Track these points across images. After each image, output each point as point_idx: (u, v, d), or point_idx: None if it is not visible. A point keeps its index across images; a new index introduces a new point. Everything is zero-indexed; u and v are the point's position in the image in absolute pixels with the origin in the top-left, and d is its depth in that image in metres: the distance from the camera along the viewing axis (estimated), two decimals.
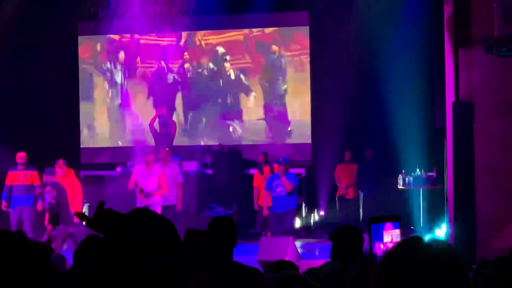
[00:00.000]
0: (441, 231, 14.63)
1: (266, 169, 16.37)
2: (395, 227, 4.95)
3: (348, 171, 17.26)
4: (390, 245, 4.80)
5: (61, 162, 15.11)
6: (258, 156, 17.46)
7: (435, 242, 2.42)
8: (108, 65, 20.58)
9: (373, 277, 2.34)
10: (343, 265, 5.53)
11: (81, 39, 20.54)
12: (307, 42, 19.54)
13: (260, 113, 19.84)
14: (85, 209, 16.07)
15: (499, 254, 6.92)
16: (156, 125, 18.26)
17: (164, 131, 17.98)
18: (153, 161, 15.05)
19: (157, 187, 14.73)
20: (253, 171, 17.77)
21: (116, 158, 18.57)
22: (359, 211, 17.18)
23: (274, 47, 19.84)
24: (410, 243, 2.39)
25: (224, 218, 6.59)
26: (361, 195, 17.34)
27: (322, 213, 18.06)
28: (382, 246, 4.84)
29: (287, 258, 12.02)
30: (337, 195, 17.49)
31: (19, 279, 2.65)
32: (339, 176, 17.39)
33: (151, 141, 18.49)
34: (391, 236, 4.90)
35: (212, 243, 5.74)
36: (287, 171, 14.78)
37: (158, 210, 14.16)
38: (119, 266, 2.67)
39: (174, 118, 19.46)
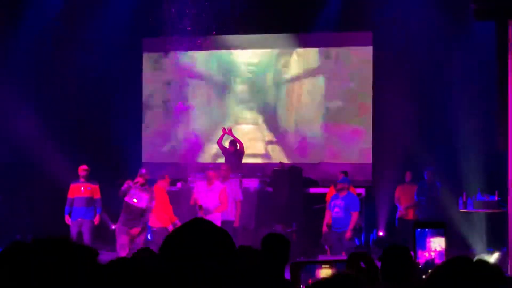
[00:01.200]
0: (501, 256, 14.45)
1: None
2: (440, 235, 4.90)
3: (408, 192, 17.13)
4: (433, 254, 4.78)
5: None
6: (318, 175, 17.49)
7: (483, 263, 2.48)
8: (174, 80, 20.76)
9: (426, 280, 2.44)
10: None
11: (146, 55, 20.81)
12: (370, 63, 19.50)
13: (322, 132, 19.84)
14: None
15: None
16: (225, 143, 18.30)
17: (233, 149, 18.00)
18: (214, 178, 15.14)
19: (217, 204, 14.85)
20: (313, 190, 17.76)
21: (178, 173, 18.69)
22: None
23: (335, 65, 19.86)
24: (458, 262, 2.46)
25: (277, 235, 6.63)
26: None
27: (381, 233, 17.96)
28: (426, 254, 4.80)
29: None
30: (397, 216, 17.39)
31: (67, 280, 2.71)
32: (399, 197, 17.29)
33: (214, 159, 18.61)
34: (435, 244, 4.85)
35: (264, 260, 5.77)
36: (347, 192, 14.81)
37: (218, 223, 14.30)
38: (174, 272, 2.72)
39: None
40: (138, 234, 14.13)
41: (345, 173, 16.51)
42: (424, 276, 4.66)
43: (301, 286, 4.97)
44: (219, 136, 18.34)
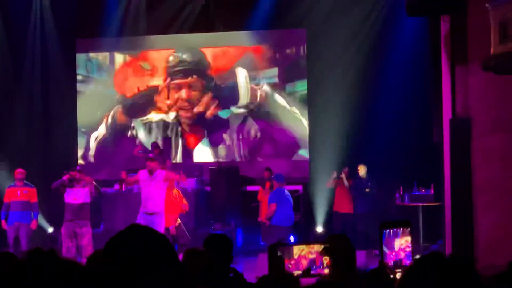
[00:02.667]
0: (439, 248, 14.64)
1: (267, 184, 16.40)
2: (406, 234, 4.92)
3: (344, 187, 17.25)
4: (402, 253, 4.80)
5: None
6: (256, 173, 17.52)
7: (456, 258, 2.51)
8: (105, 81, 20.60)
9: (400, 280, 2.45)
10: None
11: (79, 56, 20.57)
12: (304, 60, 19.58)
13: (258, 129, 19.87)
14: None
15: (498, 271, 6.95)
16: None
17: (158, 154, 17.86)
18: (156, 166, 14.53)
19: (162, 191, 14.30)
20: (251, 188, 17.80)
21: (114, 175, 18.56)
22: (356, 226, 17.15)
23: (272, 65, 19.89)
24: (431, 259, 2.48)
25: (219, 236, 6.64)
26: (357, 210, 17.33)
27: (319, 228, 18.05)
28: (393, 254, 4.81)
29: None
30: (333, 210, 17.51)
31: None
32: (336, 192, 17.40)
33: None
34: (402, 243, 4.86)
35: (209, 261, 5.77)
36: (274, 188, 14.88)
37: (162, 223, 14.11)
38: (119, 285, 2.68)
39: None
40: (83, 235, 14.00)
41: (268, 170, 16.66)
42: (393, 276, 4.68)
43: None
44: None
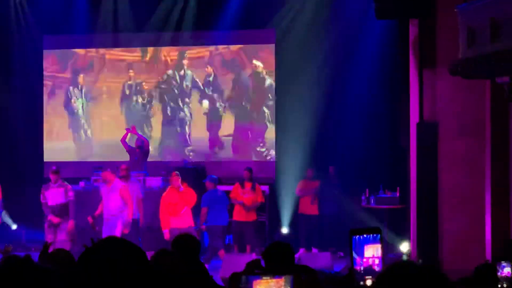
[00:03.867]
0: (404, 251, 14.71)
1: (249, 185, 16.32)
2: (376, 241, 4.89)
3: (310, 188, 17.25)
4: (371, 260, 4.78)
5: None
6: (222, 173, 17.55)
7: (426, 267, 2.53)
8: (73, 79, 20.47)
9: None
10: None
11: (46, 52, 20.38)
12: (272, 59, 19.56)
13: (225, 130, 19.85)
14: None
15: (463, 275, 6.99)
16: (129, 141, 18.15)
17: (138, 148, 17.85)
18: (112, 177, 14.88)
19: (120, 204, 14.65)
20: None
21: (81, 172, 18.43)
22: (321, 228, 17.16)
23: (240, 64, 19.87)
24: (403, 266, 2.50)
25: (188, 236, 6.62)
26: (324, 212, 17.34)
27: (285, 229, 18.04)
28: (363, 261, 4.79)
29: None
30: (298, 212, 17.50)
31: None
32: (301, 193, 17.38)
33: (120, 157, 18.35)
34: (372, 250, 4.84)
35: (179, 263, 5.74)
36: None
37: (120, 224, 14.47)
38: None
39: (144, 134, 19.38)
40: (61, 231, 14.18)
41: (250, 170, 16.60)
42: (363, 283, 4.66)
43: None
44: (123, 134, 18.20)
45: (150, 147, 18.30)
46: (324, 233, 16.98)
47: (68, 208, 14.52)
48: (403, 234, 15.21)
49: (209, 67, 20.00)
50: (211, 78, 20.01)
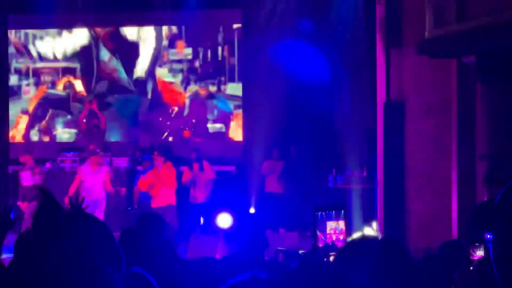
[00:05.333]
0: (371, 230, 14.76)
1: (196, 166, 16.34)
2: (338, 218, 4.89)
3: (274, 168, 17.30)
4: (334, 236, 4.79)
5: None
6: (188, 153, 17.47)
7: (386, 240, 2.53)
8: (30, 57, 20.21)
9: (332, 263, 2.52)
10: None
11: (11, 32, 20.15)
12: (240, 39, 19.50)
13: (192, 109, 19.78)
14: None
15: (428, 253, 7.01)
16: (86, 120, 18.07)
17: (94, 126, 17.77)
18: (100, 161, 15.11)
19: (103, 186, 15.00)
20: (183, 168, 17.72)
21: (46, 153, 18.30)
22: (288, 208, 17.19)
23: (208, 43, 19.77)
24: (363, 240, 2.51)
25: (152, 215, 6.63)
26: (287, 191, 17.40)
27: (252, 209, 18.04)
28: (326, 237, 4.79)
29: (217, 256, 12.03)
30: (265, 191, 17.56)
31: None
32: (266, 173, 17.44)
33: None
34: (335, 226, 4.84)
35: (144, 241, 5.73)
36: None
37: (102, 205, 14.92)
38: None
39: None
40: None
41: (197, 150, 16.67)
42: (326, 259, 4.66)
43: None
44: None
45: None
46: (292, 214, 17.00)
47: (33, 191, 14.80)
48: (371, 213, 15.25)
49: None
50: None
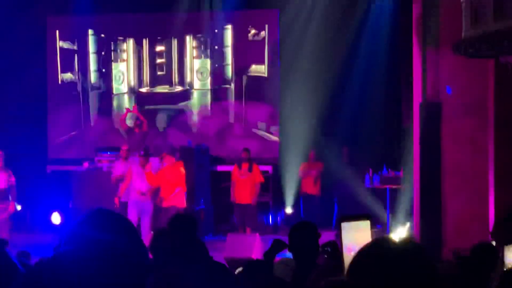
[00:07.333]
0: (406, 230, 14.76)
1: (245, 165, 16.25)
2: (366, 227, 4.87)
3: (312, 169, 17.27)
4: (361, 246, 4.77)
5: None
6: (226, 153, 17.56)
7: (404, 241, 2.50)
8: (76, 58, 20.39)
9: (346, 273, 2.45)
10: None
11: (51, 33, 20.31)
12: (277, 42, 19.46)
13: (229, 110, 19.79)
14: None
15: (465, 254, 6.99)
16: (129, 121, 18.16)
17: (137, 128, 17.86)
18: (147, 162, 15.13)
19: (149, 186, 15.00)
20: (221, 168, 17.79)
21: (84, 153, 18.43)
22: (322, 208, 17.20)
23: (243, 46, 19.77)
24: (380, 242, 2.46)
25: (184, 216, 6.64)
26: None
27: (289, 210, 18.06)
28: (353, 246, 4.77)
29: (253, 256, 12.07)
30: (301, 193, 17.55)
31: None
32: (303, 174, 17.41)
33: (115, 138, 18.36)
34: (362, 236, 4.82)
35: (174, 242, 5.78)
36: None
37: (150, 207, 14.91)
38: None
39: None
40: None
41: (247, 150, 16.54)
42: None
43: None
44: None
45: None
46: (328, 215, 17.02)
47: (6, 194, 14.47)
48: (407, 214, 15.22)
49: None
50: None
